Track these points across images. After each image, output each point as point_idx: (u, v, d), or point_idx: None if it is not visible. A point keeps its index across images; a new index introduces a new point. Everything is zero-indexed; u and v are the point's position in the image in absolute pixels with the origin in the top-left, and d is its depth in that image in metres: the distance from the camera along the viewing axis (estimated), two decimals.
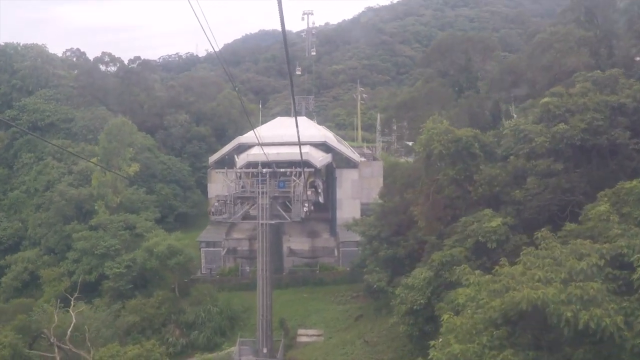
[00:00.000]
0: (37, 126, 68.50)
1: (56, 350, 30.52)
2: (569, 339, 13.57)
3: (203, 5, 11.20)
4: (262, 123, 67.87)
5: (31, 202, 60.48)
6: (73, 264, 48.12)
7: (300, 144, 30.46)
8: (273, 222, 35.68)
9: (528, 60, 39.57)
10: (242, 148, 52.30)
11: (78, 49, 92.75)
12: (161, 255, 42.41)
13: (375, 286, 34.80)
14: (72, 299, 34.66)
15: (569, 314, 11.90)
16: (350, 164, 53.95)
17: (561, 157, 22.85)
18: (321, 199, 47.06)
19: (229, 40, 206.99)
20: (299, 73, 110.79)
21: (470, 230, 22.59)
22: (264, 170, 35.66)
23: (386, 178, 48.05)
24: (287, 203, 36.79)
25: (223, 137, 72.53)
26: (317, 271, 48.25)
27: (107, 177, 53.35)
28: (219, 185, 45.82)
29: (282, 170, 37.13)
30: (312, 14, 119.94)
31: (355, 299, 42.47)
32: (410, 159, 61.22)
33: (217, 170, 45.17)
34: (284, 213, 36.12)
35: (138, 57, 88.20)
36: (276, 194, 36.07)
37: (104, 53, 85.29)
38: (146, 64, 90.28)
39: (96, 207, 52.02)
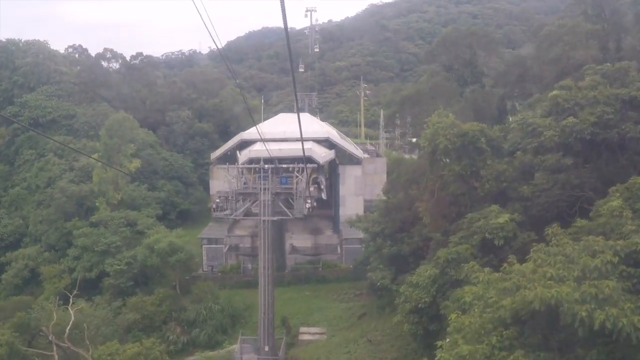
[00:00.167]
0: (39, 123, 68.32)
1: (54, 348, 30.05)
2: (581, 339, 13.02)
3: (206, 2, 11.07)
4: (265, 119, 67.39)
5: (32, 198, 60.29)
6: (73, 261, 47.83)
7: (302, 140, 29.99)
8: (275, 218, 35.14)
9: (535, 53, 38.79)
10: (245, 144, 51.73)
11: (80, 46, 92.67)
12: (162, 252, 42.04)
13: (378, 284, 34.24)
14: (71, 296, 34.16)
15: (583, 314, 11.33)
16: (353, 160, 53.41)
17: (570, 151, 22.21)
18: (324, 196, 46.55)
19: (232, 37, 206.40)
20: (302, 70, 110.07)
21: (477, 227, 21.99)
22: (266, 166, 35.14)
23: (389, 175, 47.42)
24: (290, 199, 36.29)
25: (225, 133, 72.12)
26: (320, 269, 47.77)
27: (108, 174, 52.99)
28: (221, 182, 45.29)
29: (284, 166, 36.61)
30: (315, 10, 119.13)
31: (358, 297, 41.98)
32: (414, 156, 60.65)
33: (218, 166, 44.72)
34: (286, 209, 35.60)
35: (140, 54, 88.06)
36: (278, 190, 35.55)
37: (105, 49, 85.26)
38: (149, 60, 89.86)
39: (97, 204, 51.69)
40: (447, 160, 25.33)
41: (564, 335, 13.60)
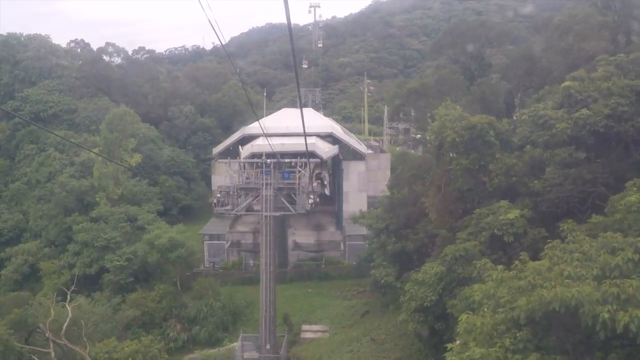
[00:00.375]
0: (40, 117, 67.78)
1: (51, 345, 29.45)
2: (598, 342, 12.26)
3: None
4: (268, 115, 66.69)
5: (32, 193, 59.70)
6: (73, 256, 47.27)
7: (305, 134, 29.29)
8: (277, 214, 34.53)
9: (546, 43, 37.83)
10: (247, 139, 51.20)
11: (82, 40, 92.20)
12: (162, 248, 41.54)
13: (382, 281, 33.52)
14: (69, 292, 33.56)
15: (605, 316, 10.56)
16: (357, 156, 52.70)
17: (583, 145, 21.41)
18: (327, 191, 45.89)
19: (236, 33, 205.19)
20: (306, 66, 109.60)
21: (485, 223, 21.25)
22: (268, 160, 34.47)
23: (393, 171, 46.83)
24: (292, 195, 35.71)
25: (228, 128, 71.33)
26: (323, 265, 47.20)
27: (109, 169, 52.36)
28: (223, 177, 44.63)
29: (286, 160, 35.93)
30: (319, 7, 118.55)
31: (361, 295, 41.36)
32: (418, 152, 59.86)
33: (220, 161, 44.11)
34: (288, 205, 34.96)
35: (142, 48, 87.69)
36: (281, 186, 34.94)
37: (107, 43, 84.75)
38: (151, 55, 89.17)
39: (97, 199, 51.05)
40: (455, 154, 24.53)
41: (580, 337, 12.87)
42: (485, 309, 13.91)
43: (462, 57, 49.03)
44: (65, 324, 30.07)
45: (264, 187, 34.04)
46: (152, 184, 58.62)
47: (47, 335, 29.94)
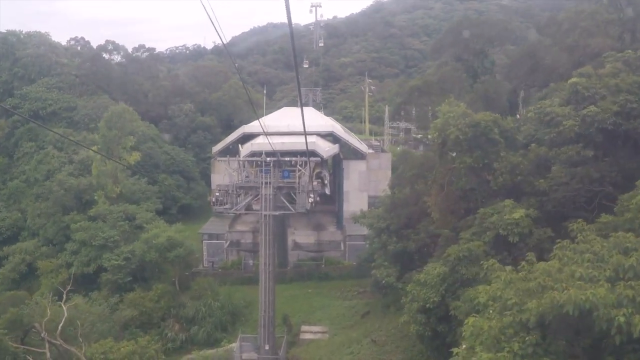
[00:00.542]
0: (39, 115, 67.37)
1: (47, 345, 28.98)
2: (611, 346, 11.75)
3: None
4: (268, 114, 66.20)
5: (31, 191, 59.29)
6: (71, 255, 46.75)
7: (306, 133, 28.83)
8: (277, 213, 34.02)
9: (550, 40, 37.23)
10: (247, 138, 50.70)
11: (82, 38, 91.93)
12: (160, 247, 41.07)
13: (383, 282, 33.03)
14: (64, 292, 33.08)
15: (621, 319, 10.04)
16: (357, 155, 52.19)
17: (591, 143, 20.87)
18: (327, 191, 45.40)
19: (237, 33, 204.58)
20: (306, 66, 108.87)
21: (490, 223, 20.72)
22: (268, 159, 33.96)
23: (394, 170, 46.30)
24: (292, 194, 35.21)
25: (228, 127, 70.76)
26: (323, 265, 46.71)
27: (107, 167, 51.90)
28: (222, 176, 44.25)
29: (286, 159, 35.44)
30: (320, 6, 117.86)
31: (362, 295, 40.90)
32: (419, 153, 59.25)
33: (219, 159, 43.63)
34: (288, 204, 34.47)
35: (143, 46, 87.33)
36: (280, 184, 34.44)
37: (107, 41, 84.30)
38: (151, 53, 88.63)
39: (96, 197, 50.59)
40: (458, 152, 23.98)
41: (590, 341, 12.36)
42: (491, 312, 13.40)
43: (464, 55, 48.40)
44: (61, 324, 29.62)
45: (263, 186, 33.56)
46: (152, 183, 58.18)
47: (42, 335, 29.52)
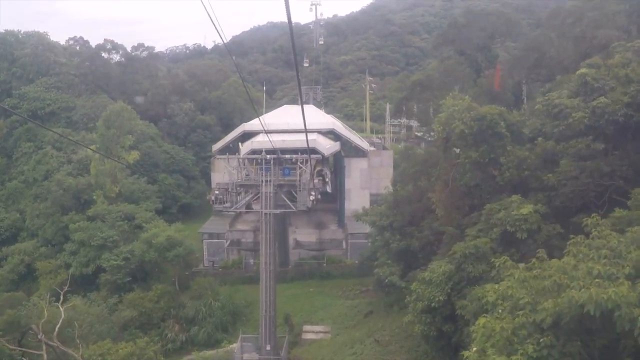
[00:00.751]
0: (37, 115, 66.92)
1: (44, 347, 28.39)
2: (630, 347, 11.12)
3: None
4: (267, 112, 65.59)
5: (29, 192, 58.85)
6: (70, 256, 46.22)
7: (306, 130, 28.33)
8: (277, 211, 33.52)
9: (557, 31, 36.48)
10: (247, 136, 50.22)
11: (81, 37, 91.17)
12: (160, 247, 40.52)
13: (386, 280, 32.39)
14: (62, 293, 32.48)
15: None
16: (359, 152, 51.62)
17: (601, 135, 20.21)
18: (329, 189, 44.83)
19: (237, 32, 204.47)
20: (307, 64, 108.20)
21: (497, 219, 20.08)
22: (268, 156, 33.39)
23: (396, 168, 45.61)
24: (293, 192, 34.66)
25: (228, 126, 70.17)
26: (324, 264, 46.14)
27: (106, 166, 51.31)
28: (223, 175, 43.76)
29: (287, 156, 34.87)
30: (320, 5, 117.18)
31: (364, 294, 40.34)
32: (421, 150, 58.56)
33: (218, 157, 43.09)
34: (289, 202, 33.89)
35: (142, 45, 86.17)
36: (281, 182, 33.91)
37: (106, 40, 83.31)
38: (150, 52, 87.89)
39: (94, 197, 50.03)
40: (463, 147, 23.32)
41: (606, 341, 11.73)
42: (500, 311, 12.77)
43: (467, 49, 47.59)
44: (58, 326, 29.04)
45: (263, 184, 33.05)
46: (151, 182, 57.64)
47: (39, 337, 28.95)
